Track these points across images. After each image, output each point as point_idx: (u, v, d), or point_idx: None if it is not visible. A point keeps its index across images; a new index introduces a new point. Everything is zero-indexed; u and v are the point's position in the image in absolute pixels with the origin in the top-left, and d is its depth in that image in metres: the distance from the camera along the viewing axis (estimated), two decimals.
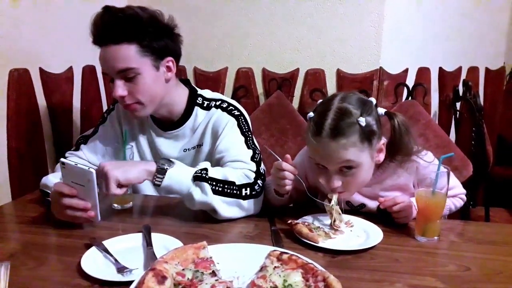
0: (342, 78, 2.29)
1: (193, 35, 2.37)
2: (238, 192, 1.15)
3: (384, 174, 1.19)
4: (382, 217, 1.14)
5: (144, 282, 0.71)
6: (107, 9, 1.19)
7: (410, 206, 1.09)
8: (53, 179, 1.21)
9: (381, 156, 1.14)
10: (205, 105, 1.36)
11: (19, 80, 1.55)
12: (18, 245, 1.02)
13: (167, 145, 1.37)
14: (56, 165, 1.37)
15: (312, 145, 1.10)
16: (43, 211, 1.22)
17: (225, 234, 1.09)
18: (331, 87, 2.33)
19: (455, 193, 1.23)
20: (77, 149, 1.39)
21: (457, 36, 2.53)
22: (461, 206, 1.26)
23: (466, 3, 2.51)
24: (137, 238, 1.02)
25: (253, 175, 1.20)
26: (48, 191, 1.17)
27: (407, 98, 2.27)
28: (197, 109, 1.35)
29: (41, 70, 1.68)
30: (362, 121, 1.04)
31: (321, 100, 1.16)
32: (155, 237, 1.01)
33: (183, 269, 0.80)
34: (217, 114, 1.33)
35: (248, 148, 1.28)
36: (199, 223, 1.14)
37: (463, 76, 2.55)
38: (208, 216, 1.16)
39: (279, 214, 1.19)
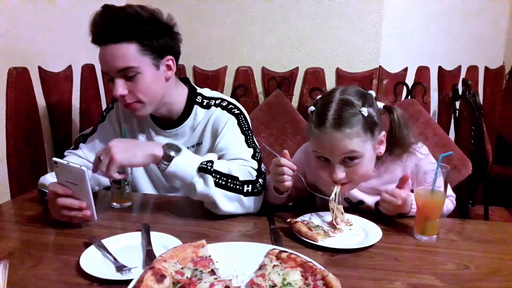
0: (342, 77, 2.29)
1: (192, 33, 2.36)
2: (240, 188, 1.15)
3: (383, 167, 1.20)
4: (380, 214, 1.14)
5: (143, 281, 0.71)
6: (106, 8, 1.18)
7: (404, 201, 1.08)
8: (50, 178, 1.20)
9: (382, 148, 1.15)
10: (204, 103, 1.36)
11: (18, 78, 1.55)
12: (17, 244, 1.02)
13: None
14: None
15: (315, 136, 1.10)
16: (42, 209, 1.21)
17: (224, 232, 1.09)
18: (330, 86, 2.32)
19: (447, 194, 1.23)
20: (76, 147, 1.39)
21: (456, 35, 2.53)
22: (452, 209, 1.26)
23: (466, 2, 2.51)
24: (136, 237, 1.02)
25: (255, 173, 1.20)
26: (46, 191, 1.16)
27: (406, 97, 2.27)
28: (196, 108, 1.35)
29: (40, 68, 1.68)
30: (365, 111, 1.05)
31: (320, 95, 1.17)
32: (154, 235, 1.01)
33: (182, 268, 0.80)
34: (217, 112, 1.33)
35: (249, 146, 1.28)
36: (198, 221, 1.14)
37: (463, 75, 2.54)
38: (207, 214, 1.16)
39: (279, 213, 1.19)
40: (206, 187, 1.11)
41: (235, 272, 0.83)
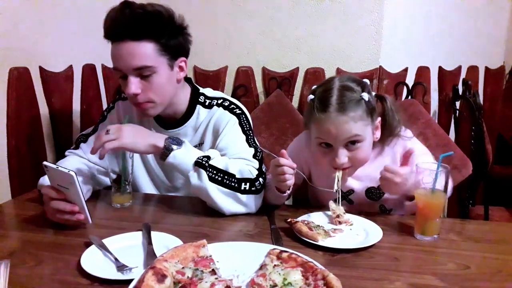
0: None
1: (193, 33, 2.35)
2: (236, 185, 1.15)
3: (374, 152, 1.23)
4: (381, 212, 1.15)
5: (144, 281, 0.71)
6: (126, 4, 1.16)
7: (405, 179, 1.08)
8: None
9: (378, 134, 1.19)
10: (207, 103, 1.36)
11: (19, 78, 1.55)
12: (18, 243, 1.02)
13: None
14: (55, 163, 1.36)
15: (318, 122, 1.12)
16: (42, 209, 1.21)
17: (225, 232, 1.09)
18: None
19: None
20: (77, 147, 1.39)
21: (456, 35, 2.53)
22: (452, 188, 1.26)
23: (466, 2, 2.51)
24: (137, 237, 1.02)
25: (255, 172, 1.21)
26: None
27: (406, 97, 2.27)
28: (199, 108, 1.35)
29: (41, 68, 1.68)
30: (366, 96, 1.10)
31: (316, 85, 1.20)
32: (155, 235, 1.01)
33: (183, 268, 0.80)
34: (218, 112, 1.33)
35: (250, 146, 1.28)
36: (199, 221, 1.14)
37: (463, 75, 2.55)
38: (208, 214, 1.17)
39: (279, 213, 1.19)
40: (199, 181, 1.13)
41: (236, 272, 0.84)
